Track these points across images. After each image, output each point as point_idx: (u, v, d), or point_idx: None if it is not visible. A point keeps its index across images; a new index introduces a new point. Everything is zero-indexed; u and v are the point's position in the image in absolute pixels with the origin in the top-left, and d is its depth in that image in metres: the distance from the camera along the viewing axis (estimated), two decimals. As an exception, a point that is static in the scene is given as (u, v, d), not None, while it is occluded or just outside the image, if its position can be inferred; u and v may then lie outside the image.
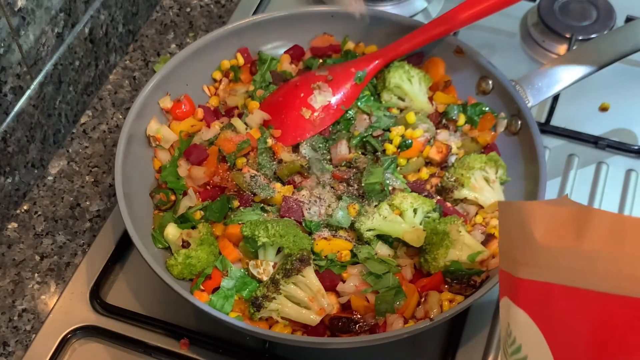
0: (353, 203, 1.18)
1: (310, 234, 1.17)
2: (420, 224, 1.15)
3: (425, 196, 1.19)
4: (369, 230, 1.15)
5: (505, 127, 1.27)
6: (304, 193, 1.19)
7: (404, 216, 1.15)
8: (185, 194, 1.22)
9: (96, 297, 1.22)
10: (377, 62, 1.30)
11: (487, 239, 1.15)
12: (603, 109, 1.42)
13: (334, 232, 1.17)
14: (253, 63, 1.37)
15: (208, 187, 1.23)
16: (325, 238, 1.16)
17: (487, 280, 1.10)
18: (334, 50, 1.38)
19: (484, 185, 1.20)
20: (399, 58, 1.32)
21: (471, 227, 1.18)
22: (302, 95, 1.28)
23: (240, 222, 1.15)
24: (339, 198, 1.19)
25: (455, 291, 1.11)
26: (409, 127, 1.25)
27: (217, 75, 1.36)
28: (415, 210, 1.16)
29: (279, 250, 1.13)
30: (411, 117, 1.25)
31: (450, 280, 1.11)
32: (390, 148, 1.23)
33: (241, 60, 1.37)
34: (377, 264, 1.12)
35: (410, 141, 1.23)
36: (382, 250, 1.15)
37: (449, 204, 1.20)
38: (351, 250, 1.15)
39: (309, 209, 1.17)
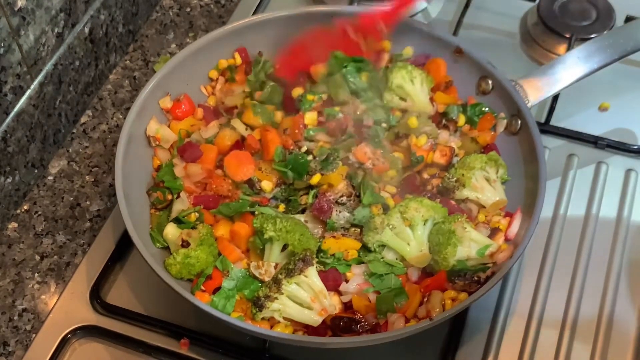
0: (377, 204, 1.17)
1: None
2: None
3: (427, 197, 1.19)
4: (377, 242, 1.14)
5: (505, 127, 1.27)
6: (341, 188, 1.19)
7: (414, 229, 1.15)
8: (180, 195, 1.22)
9: (96, 297, 1.22)
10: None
11: (493, 232, 1.16)
12: (603, 109, 1.42)
13: (344, 231, 1.17)
14: (248, 64, 1.36)
15: (205, 192, 1.22)
16: (333, 236, 1.16)
17: (491, 276, 1.09)
18: (334, 50, 1.38)
19: (485, 185, 1.20)
20: (403, 59, 1.32)
21: (474, 226, 1.17)
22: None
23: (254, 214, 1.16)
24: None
25: (459, 288, 1.10)
26: (412, 134, 1.24)
27: (214, 74, 1.36)
28: (425, 222, 1.15)
29: (284, 249, 1.13)
30: (413, 122, 1.24)
31: (454, 278, 1.11)
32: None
33: (238, 60, 1.36)
34: (380, 264, 1.12)
35: (421, 157, 1.22)
36: (389, 255, 1.15)
37: (452, 202, 1.20)
38: (358, 251, 1.15)
39: (339, 212, 1.17)
